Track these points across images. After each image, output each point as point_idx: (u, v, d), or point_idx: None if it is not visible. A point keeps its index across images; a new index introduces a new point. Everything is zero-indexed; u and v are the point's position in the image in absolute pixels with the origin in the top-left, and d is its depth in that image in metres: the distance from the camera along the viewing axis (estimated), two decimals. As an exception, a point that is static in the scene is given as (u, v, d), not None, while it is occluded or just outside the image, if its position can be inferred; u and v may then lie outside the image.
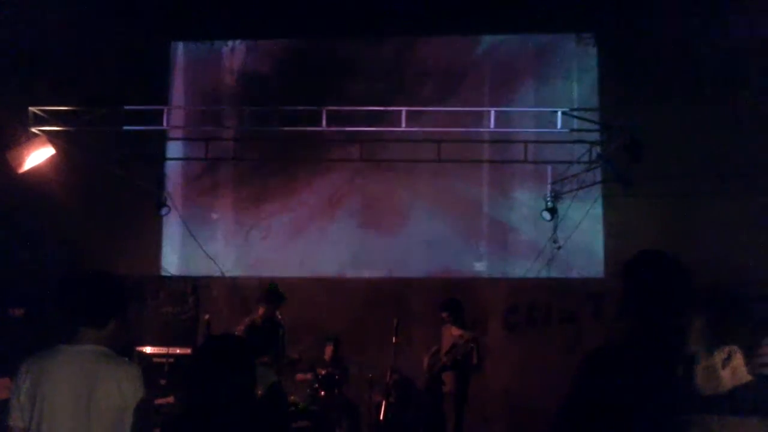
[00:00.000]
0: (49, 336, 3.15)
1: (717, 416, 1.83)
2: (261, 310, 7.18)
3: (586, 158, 8.61)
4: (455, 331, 7.62)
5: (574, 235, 8.97)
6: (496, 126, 8.18)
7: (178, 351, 7.97)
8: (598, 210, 9.05)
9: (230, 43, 9.87)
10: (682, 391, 2.13)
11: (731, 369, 1.92)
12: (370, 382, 7.74)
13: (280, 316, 7.23)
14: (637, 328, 2.51)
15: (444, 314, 7.61)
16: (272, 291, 7.23)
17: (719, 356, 1.96)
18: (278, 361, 7.08)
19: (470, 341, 7.38)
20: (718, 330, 2.01)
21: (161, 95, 9.52)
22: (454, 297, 7.75)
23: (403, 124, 7.99)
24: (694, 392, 2.03)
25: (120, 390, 2.98)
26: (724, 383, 1.92)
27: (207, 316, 7.78)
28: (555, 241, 8.98)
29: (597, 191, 8.93)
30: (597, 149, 8.47)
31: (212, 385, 2.50)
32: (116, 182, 8.81)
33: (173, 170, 9.84)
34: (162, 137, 9.57)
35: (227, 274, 9.39)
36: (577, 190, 8.85)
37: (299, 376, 7.86)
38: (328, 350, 7.96)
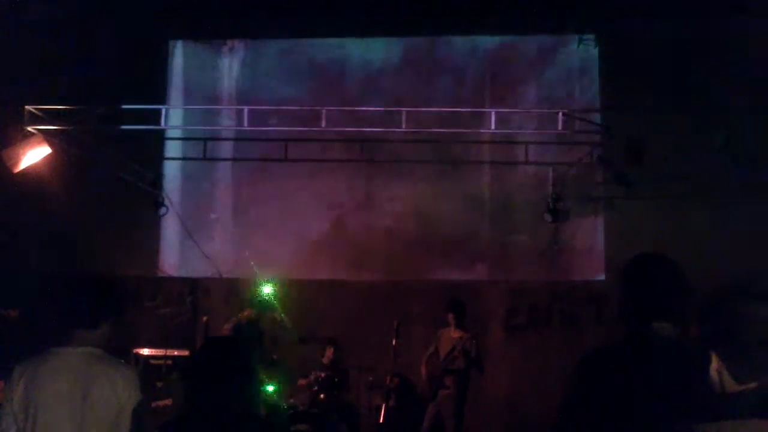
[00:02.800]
0: (44, 338, 3.11)
1: (712, 422, 1.80)
2: (247, 312, 7.13)
3: (587, 160, 8.58)
4: (454, 333, 7.62)
5: (575, 237, 8.94)
6: (497, 127, 8.17)
7: (176, 353, 7.93)
8: (599, 211, 9.02)
9: (229, 42, 9.83)
10: (681, 395, 2.10)
11: (716, 372, 1.91)
12: (369, 385, 7.70)
13: (279, 318, 7.19)
14: (636, 331, 2.48)
15: (449, 315, 7.61)
16: (266, 296, 7.21)
17: (699, 360, 1.96)
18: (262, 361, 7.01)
19: (471, 338, 7.44)
20: (709, 336, 1.99)
21: (159, 94, 9.48)
22: (460, 299, 7.74)
23: (404, 125, 7.97)
24: (692, 396, 2.00)
25: (115, 392, 2.95)
26: (716, 389, 1.90)
27: (205, 318, 7.75)
28: (556, 243, 8.94)
29: (598, 192, 8.91)
30: (598, 151, 8.45)
31: (210, 387, 2.47)
32: (114, 182, 8.76)
33: (171, 170, 9.79)
34: (160, 137, 9.52)
35: (225, 275, 9.33)
36: (579, 191, 8.82)
37: (301, 381, 7.80)
38: (329, 353, 7.91)
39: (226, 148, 9.70)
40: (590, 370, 2.48)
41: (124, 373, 3.02)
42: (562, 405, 2.52)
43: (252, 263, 7.92)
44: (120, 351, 3.24)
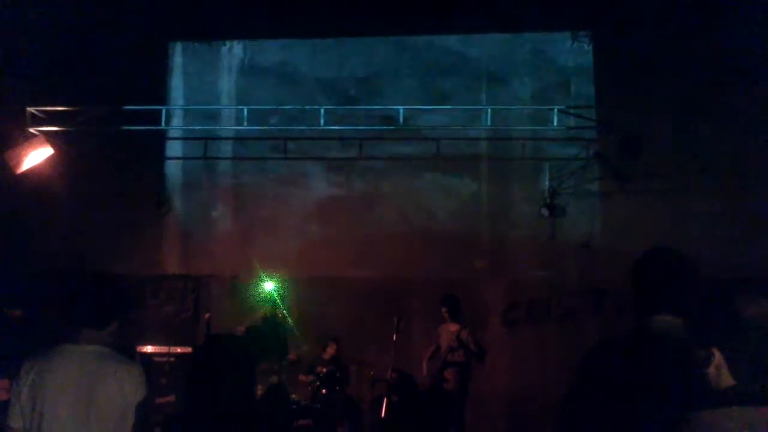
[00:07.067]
0: (47, 337, 3.15)
1: (711, 409, 1.84)
2: (261, 311, 7.25)
3: (583, 155, 8.64)
4: (452, 327, 7.71)
5: (572, 232, 9.00)
6: (493, 124, 8.23)
7: (178, 350, 7.99)
8: (595, 206, 9.08)
9: (228, 43, 9.88)
10: (691, 388, 2.09)
11: (715, 368, 1.94)
12: (371, 380, 7.76)
13: (281, 316, 7.28)
14: (642, 324, 2.50)
15: (444, 309, 7.72)
16: (272, 291, 7.30)
17: (701, 355, 1.98)
18: (280, 361, 7.13)
19: (466, 330, 7.54)
20: (704, 328, 2.02)
21: (160, 95, 9.53)
22: (453, 293, 7.83)
23: (401, 123, 8.04)
24: (702, 390, 2.03)
25: (122, 390, 2.99)
26: (713, 384, 1.94)
27: (207, 315, 7.81)
28: (553, 238, 9.00)
29: (595, 188, 8.96)
30: (595, 146, 8.51)
31: (212, 384, 2.49)
32: (116, 182, 8.82)
33: (173, 170, 9.85)
34: (161, 137, 9.58)
35: (227, 274, 9.39)
36: (575, 186, 8.88)
37: (302, 377, 7.88)
38: (330, 349, 7.99)
39: (226, 148, 9.76)
40: (596, 362, 2.51)
41: (131, 371, 3.05)
42: (568, 396, 2.55)
43: (251, 262, 7.96)
44: (124, 349, 3.28)
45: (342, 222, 9.55)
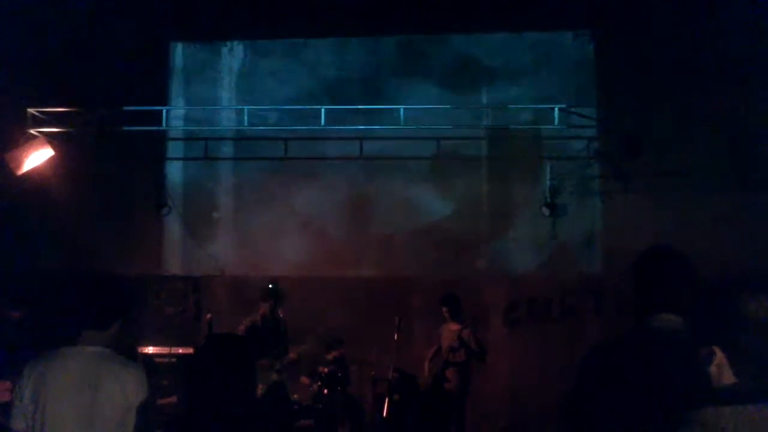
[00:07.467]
0: (47, 338, 3.15)
1: (713, 408, 1.84)
2: (262, 309, 7.26)
3: (584, 154, 8.64)
4: (453, 327, 7.73)
5: (573, 231, 9.00)
6: (494, 123, 8.24)
7: (180, 351, 7.98)
8: (596, 205, 9.08)
9: (229, 43, 9.88)
10: (693, 387, 2.15)
11: (716, 366, 1.95)
12: (372, 380, 7.77)
13: (281, 315, 7.27)
14: (643, 323, 2.51)
15: (444, 309, 7.73)
16: (272, 290, 7.30)
17: (703, 353, 1.99)
18: (280, 360, 7.13)
19: (468, 330, 7.55)
20: (705, 327, 2.02)
21: (160, 96, 9.53)
22: (453, 292, 7.84)
23: (402, 122, 8.05)
24: (704, 388, 2.03)
25: (123, 391, 2.99)
26: (715, 382, 1.94)
27: (209, 316, 7.81)
28: (554, 237, 9.01)
29: (595, 186, 8.97)
30: (595, 145, 8.51)
31: (213, 384, 2.49)
32: (116, 183, 8.83)
33: (173, 170, 9.85)
34: (162, 138, 9.58)
35: (228, 274, 9.40)
36: (576, 186, 8.88)
37: (303, 379, 7.87)
38: (335, 352, 7.99)
39: (226, 148, 9.76)
40: (598, 362, 2.52)
41: (132, 372, 3.06)
42: (569, 395, 2.57)
43: (252, 262, 7.94)
44: (126, 350, 3.28)
45: (342, 222, 9.55)
